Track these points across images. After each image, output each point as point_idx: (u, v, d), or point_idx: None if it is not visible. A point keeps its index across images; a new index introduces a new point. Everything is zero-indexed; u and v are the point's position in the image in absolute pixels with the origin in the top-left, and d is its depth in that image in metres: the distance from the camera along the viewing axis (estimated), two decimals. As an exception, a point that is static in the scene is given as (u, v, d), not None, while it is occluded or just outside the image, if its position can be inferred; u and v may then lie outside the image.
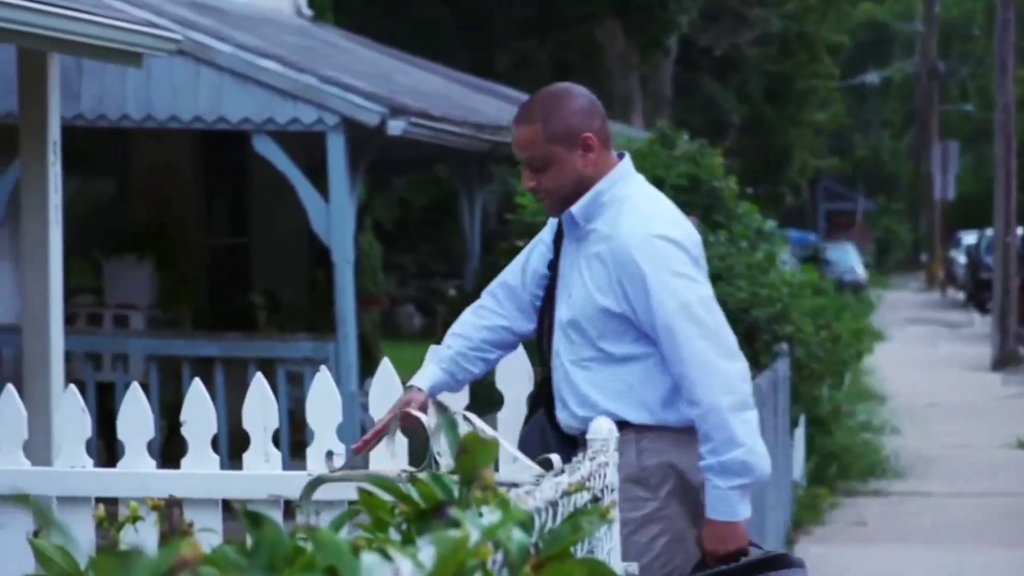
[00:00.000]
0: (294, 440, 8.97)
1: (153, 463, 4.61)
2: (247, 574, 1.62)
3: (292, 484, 4.39)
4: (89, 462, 4.61)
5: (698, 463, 3.93)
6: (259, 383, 4.60)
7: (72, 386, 4.74)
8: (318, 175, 10.49)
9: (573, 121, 3.99)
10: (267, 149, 10.46)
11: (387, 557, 1.66)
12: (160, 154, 13.31)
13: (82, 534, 4.35)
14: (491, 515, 1.97)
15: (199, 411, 4.60)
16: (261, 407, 4.56)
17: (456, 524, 1.91)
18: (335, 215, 10.25)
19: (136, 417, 4.60)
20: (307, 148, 11.25)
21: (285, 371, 10.43)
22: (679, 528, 4.02)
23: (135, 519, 3.56)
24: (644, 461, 3.98)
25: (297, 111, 10.35)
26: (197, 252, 13.68)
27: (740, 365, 3.94)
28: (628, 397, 3.98)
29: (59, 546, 2.75)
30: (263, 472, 4.53)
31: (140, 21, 8.57)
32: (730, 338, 3.98)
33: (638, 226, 3.94)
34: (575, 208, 4.00)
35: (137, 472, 4.55)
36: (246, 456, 4.57)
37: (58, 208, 8.04)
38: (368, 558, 1.63)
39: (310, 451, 4.58)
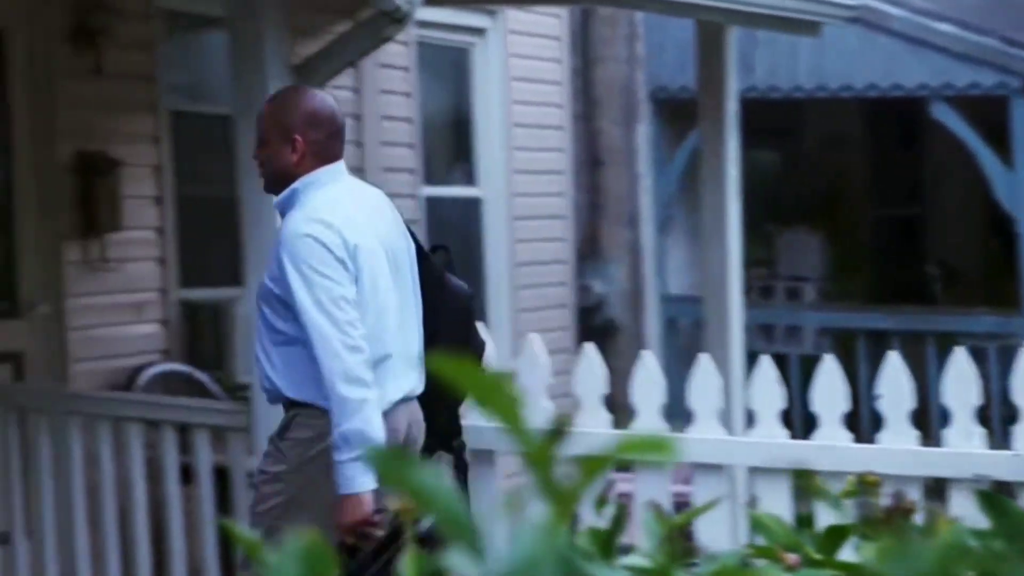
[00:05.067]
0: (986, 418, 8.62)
1: (849, 436, 4.48)
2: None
3: (998, 464, 4.17)
4: (784, 433, 4.54)
5: None
6: (959, 358, 4.42)
7: (767, 357, 4.68)
8: (997, 141, 10.04)
9: (291, 120, 4.44)
10: (944, 115, 10.11)
11: None
12: (830, 124, 13.18)
13: (777, 506, 4.28)
14: None
15: (895, 385, 4.44)
16: (961, 383, 4.36)
17: None
18: (1021, 182, 9.78)
19: (830, 389, 4.49)
20: (986, 113, 10.80)
21: (967, 347, 10.05)
22: (299, 496, 4.37)
23: (852, 494, 3.43)
24: (292, 432, 4.39)
25: (976, 75, 9.94)
26: (868, 223, 13.46)
27: (360, 356, 4.24)
28: (287, 375, 4.39)
29: (774, 516, 2.66)
30: (966, 450, 4.30)
31: (817, -12, 8.45)
32: (354, 333, 4.25)
33: (296, 223, 4.36)
34: (276, 199, 4.50)
35: (833, 445, 4.43)
36: (947, 433, 4.37)
37: (736, 181, 8.07)
38: None
39: (1017, 430, 4.32)
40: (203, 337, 7.58)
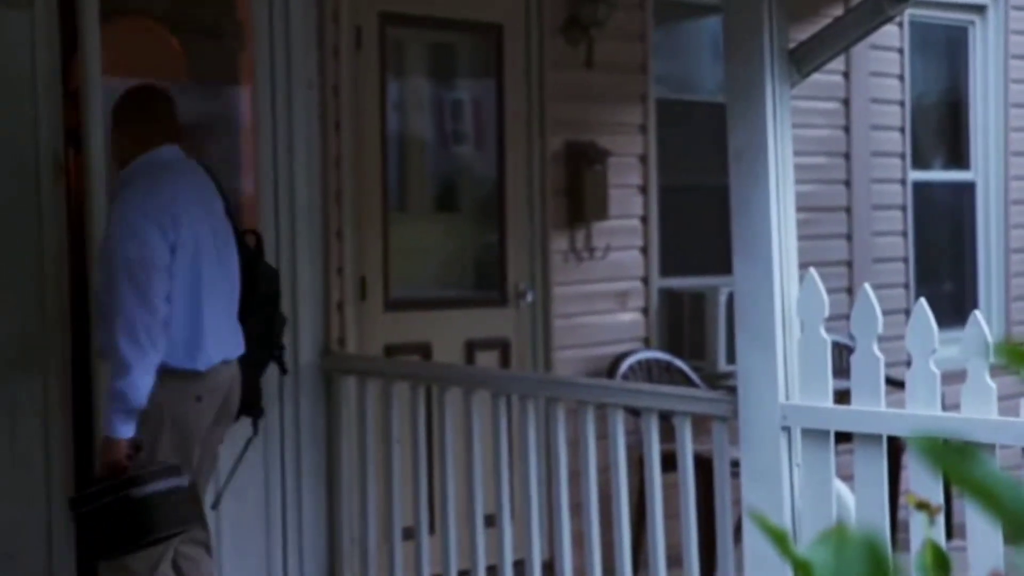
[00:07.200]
0: None
1: None
2: None
3: None
4: None
5: (181, 400, 4.80)
6: None
7: None
8: None
9: (129, 109, 5.08)
10: None
11: None
12: None
13: None
14: None
15: None
16: None
17: None
18: None
19: None
20: None
21: None
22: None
23: None
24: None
25: None
26: None
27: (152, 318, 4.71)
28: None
29: None
30: None
31: None
32: (153, 297, 4.72)
33: (131, 192, 4.91)
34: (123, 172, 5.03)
35: None
36: None
37: None
38: None
39: None
40: (682, 325, 7.59)
